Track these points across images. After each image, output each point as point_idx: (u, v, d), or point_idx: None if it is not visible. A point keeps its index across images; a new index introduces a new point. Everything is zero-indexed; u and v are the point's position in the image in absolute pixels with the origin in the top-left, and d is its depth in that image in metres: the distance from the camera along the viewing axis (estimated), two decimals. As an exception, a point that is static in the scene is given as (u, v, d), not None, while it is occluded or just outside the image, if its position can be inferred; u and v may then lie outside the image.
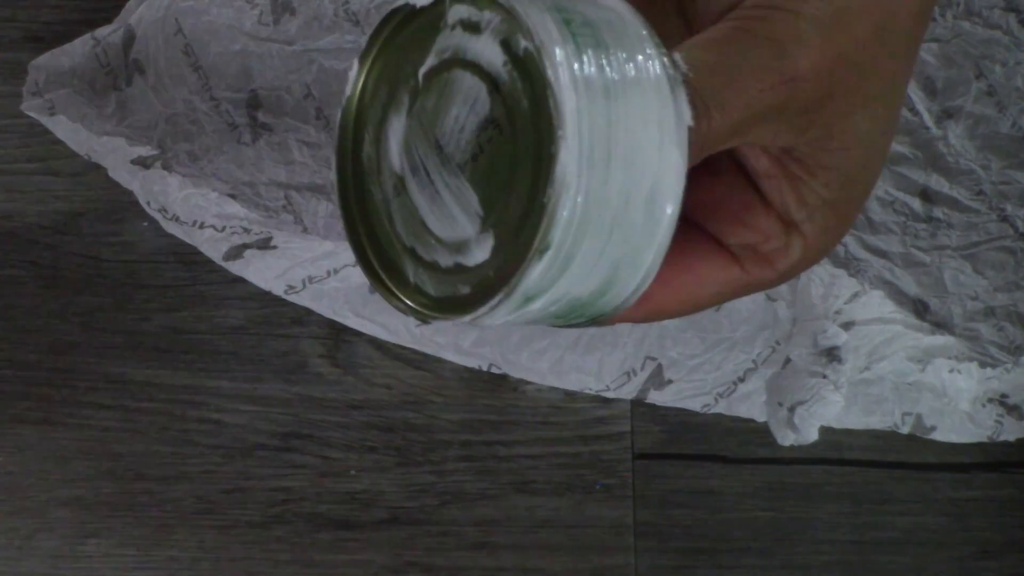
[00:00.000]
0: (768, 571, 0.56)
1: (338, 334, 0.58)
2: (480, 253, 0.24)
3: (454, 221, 0.25)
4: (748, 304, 0.56)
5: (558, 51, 0.22)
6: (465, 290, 0.24)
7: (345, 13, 0.60)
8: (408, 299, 0.26)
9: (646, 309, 0.27)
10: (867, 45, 0.26)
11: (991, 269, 0.57)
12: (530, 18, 0.23)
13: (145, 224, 0.60)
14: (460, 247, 0.25)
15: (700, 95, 0.24)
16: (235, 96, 0.60)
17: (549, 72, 0.22)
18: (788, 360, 0.53)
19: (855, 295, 0.52)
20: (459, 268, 0.25)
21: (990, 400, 0.54)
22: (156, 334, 0.59)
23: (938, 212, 0.58)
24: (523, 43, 0.23)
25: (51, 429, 0.58)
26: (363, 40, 0.26)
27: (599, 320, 0.26)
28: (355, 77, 0.26)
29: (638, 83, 0.23)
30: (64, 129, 0.57)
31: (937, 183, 0.58)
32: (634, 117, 0.23)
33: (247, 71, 0.60)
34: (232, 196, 0.56)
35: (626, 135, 0.23)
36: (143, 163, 0.56)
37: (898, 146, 0.59)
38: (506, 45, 0.23)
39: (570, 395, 0.58)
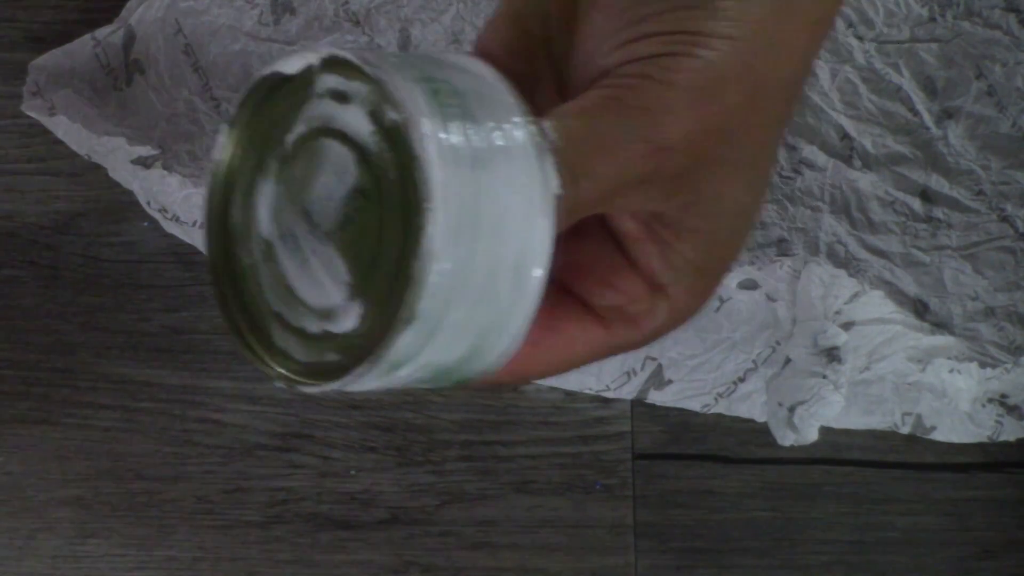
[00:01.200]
0: (768, 571, 0.56)
1: (338, 334, 0.58)
2: (348, 321, 0.24)
3: (322, 288, 0.25)
4: (748, 304, 0.56)
5: (425, 123, 0.22)
6: (333, 357, 0.25)
7: (345, 13, 0.60)
8: (276, 364, 0.26)
9: (513, 371, 0.27)
10: (737, 113, 0.26)
11: (991, 269, 0.57)
12: (397, 90, 0.23)
13: (145, 224, 0.60)
14: (328, 314, 0.25)
15: (568, 164, 0.24)
16: (235, 96, 0.60)
17: (416, 145, 0.22)
18: (788, 360, 0.53)
19: (855, 295, 0.52)
20: (327, 335, 0.25)
21: (990, 400, 0.55)
22: (156, 334, 0.59)
23: (938, 212, 0.58)
24: (390, 114, 0.23)
25: (51, 429, 0.58)
26: (234, 106, 0.26)
27: (465, 384, 0.26)
28: (224, 142, 0.26)
29: (505, 152, 0.23)
30: (64, 129, 0.57)
31: (937, 183, 0.58)
32: (501, 187, 0.23)
33: (247, 71, 0.60)
34: (232, 196, 0.56)
35: (493, 205, 0.23)
36: (143, 163, 0.56)
37: (898, 146, 0.59)
38: (374, 116, 0.23)
39: (570, 395, 0.58)
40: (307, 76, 0.25)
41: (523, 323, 0.25)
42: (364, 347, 0.23)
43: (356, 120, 0.24)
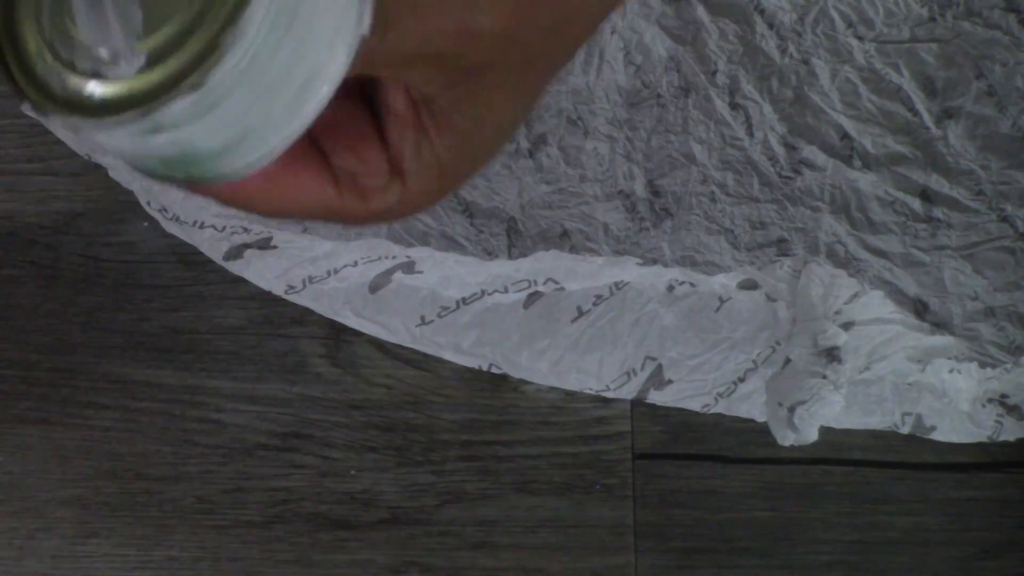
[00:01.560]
0: (768, 571, 0.56)
1: (338, 334, 0.58)
2: (125, 69, 0.24)
3: (107, 31, 0.24)
4: (748, 304, 0.56)
5: None
6: (93, 99, 0.24)
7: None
8: (31, 90, 0.25)
9: (240, 193, 0.27)
10: (543, 36, 0.26)
11: (991, 269, 0.57)
12: None
13: (145, 224, 0.60)
14: (106, 58, 0.24)
15: (383, 12, 0.24)
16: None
17: None
18: (788, 360, 0.53)
19: (855, 295, 0.52)
20: (96, 75, 0.24)
21: (990, 400, 0.55)
22: (156, 334, 0.59)
23: (938, 212, 0.58)
24: None
25: (51, 429, 0.58)
26: None
27: (195, 183, 0.26)
28: None
29: None
30: (64, 129, 0.57)
31: (937, 183, 0.58)
32: (321, 4, 0.23)
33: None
34: (232, 196, 0.56)
35: (308, 16, 0.23)
36: (143, 163, 0.56)
37: (898, 146, 0.59)
38: None
39: (570, 395, 0.58)
40: None
41: (283, 143, 0.25)
42: (133, 98, 0.23)
43: None
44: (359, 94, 0.28)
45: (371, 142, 0.28)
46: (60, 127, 0.24)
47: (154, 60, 0.23)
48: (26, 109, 0.25)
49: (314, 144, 0.28)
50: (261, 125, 0.24)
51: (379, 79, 0.28)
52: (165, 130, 0.23)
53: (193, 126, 0.23)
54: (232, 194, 0.28)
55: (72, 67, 0.24)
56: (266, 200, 0.28)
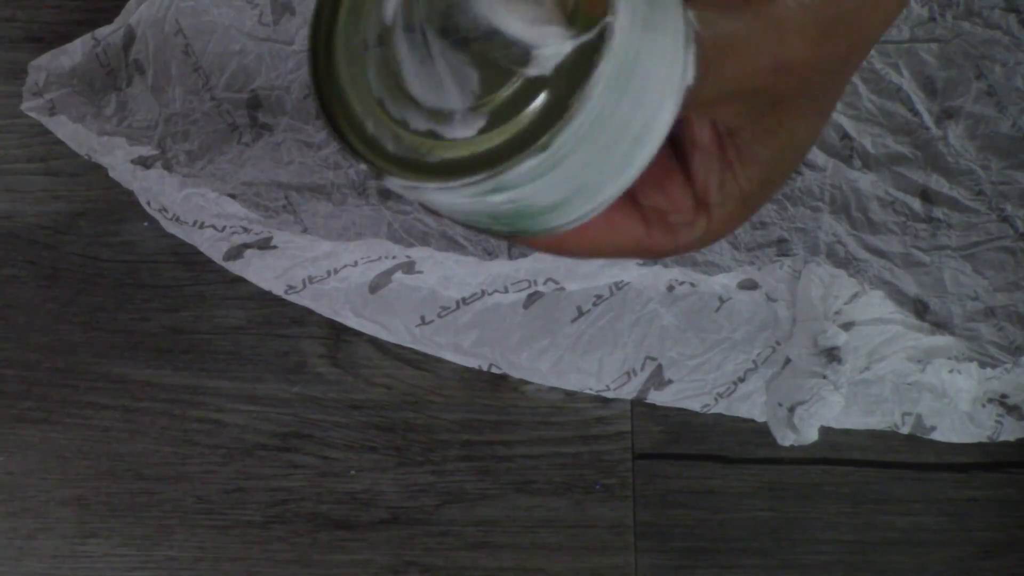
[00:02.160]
0: (768, 571, 0.56)
1: (338, 334, 0.58)
2: (464, 130, 0.24)
3: (442, 90, 0.24)
4: (748, 304, 0.56)
5: None
6: (432, 159, 0.24)
7: (345, 13, 0.60)
8: (364, 150, 0.25)
9: (554, 240, 0.28)
10: (839, 61, 0.27)
11: (991, 269, 0.57)
12: None
13: (145, 224, 0.60)
14: (441, 116, 0.24)
15: (703, 57, 0.25)
16: (235, 96, 0.60)
17: None
18: (788, 360, 0.53)
19: (855, 295, 0.52)
20: (432, 135, 0.24)
21: (990, 400, 0.54)
22: (156, 334, 0.59)
23: (938, 212, 0.58)
24: None
25: (51, 429, 0.58)
26: None
27: (520, 235, 0.26)
28: None
29: (664, 27, 0.23)
30: (64, 129, 0.57)
31: (937, 183, 0.58)
32: (655, 57, 0.23)
33: (247, 71, 0.60)
34: (232, 196, 0.56)
35: (645, 71, 0.23)
36: (143, 163, 0.56)
37: (898, 146, 0.59)
38: None
39: (570, 395, 0.58)
40: None
41: (615, 194, 0.25)
42: (477, 159, 0.23)
43: None
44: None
45: (677, 179, 0.28)
46: (397, 188, 0.24)
47: (495, 121, 0.23)
48: (364, 167, 0.24)
49: None
50: (595, 180, 0.24)
51: (686, 116, 0.28)
52: (506, 190, 0.23)
53: (533, 185, 0.23)
54: (547, 243, 0.28)
55: (405, 126, 0.24)
56: (580, 245, 0.29)
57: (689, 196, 0.28)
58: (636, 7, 0.23)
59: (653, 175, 0.28)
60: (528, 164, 0.23)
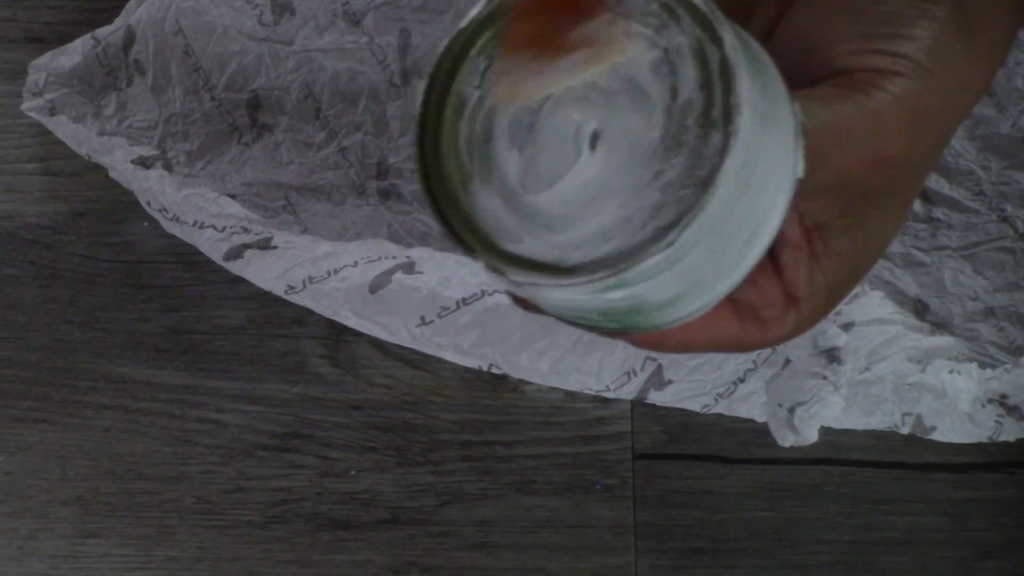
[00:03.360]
0: (768, 571, 0.56)
1: (338, 334, 0.58)
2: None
3: None
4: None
5: (743, 70, 0.23)
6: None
7: (345, 13, 0.60)
8: (477, 247, 0.25)
9: (654, 338, 0.28)
10: (929, 149, 0.27)
11: (991, 269, 0.57)
12: (724, 31, 0.23)
13: (145, 224, 0.60)
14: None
15: (812, 152, 0.25)
16: (235, 96, 0.60)
17: (737, 87, 0.22)
18: (788, 361, 0.53)
19: (855, 295, 0.52)
20: None
21: (990, 400, 0.54)
22: (156, 334, 0.59)
23: (938, 212, 0.58)
24: (713, 53, 0.23)
25: (51, 429, 0.58)
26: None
27: (628, 331, 0.26)
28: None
29: (778, 121, 0.24)
30: (64, 129, 0.57)
31: (937, 183, 0.58)
32: (772, 151, 0.23)
33: (247, 71, 0.60)
34: (232, 196, 0.56)
35: (762, 166, 0.23)
36: (143, 163, 0.56)
37: (898, 146, 0.59)
38: (696, 51, 0.23)
39: (570, 395, 0.58)
40: None
41: (727, 290, 0.25)
42: (603, 258, 0.23)
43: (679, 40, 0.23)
44: None
45: (768, 274, 0.29)
46: (512, 285, 0.24)
47: None
48: (480, 268, 0.24)
49: None
50: (710, 277, 0.24)
51: None
52: (626, 286, 0.23)
53: (652, 282, 0.23)
54: (648, 340, 0.29)
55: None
56: (677, 342, 0.29)
57: (779, 291, 0.29)
58: (756, 102, 0.23)
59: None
60: (654, 260, 0.23)
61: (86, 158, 0.58)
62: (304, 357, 0.58)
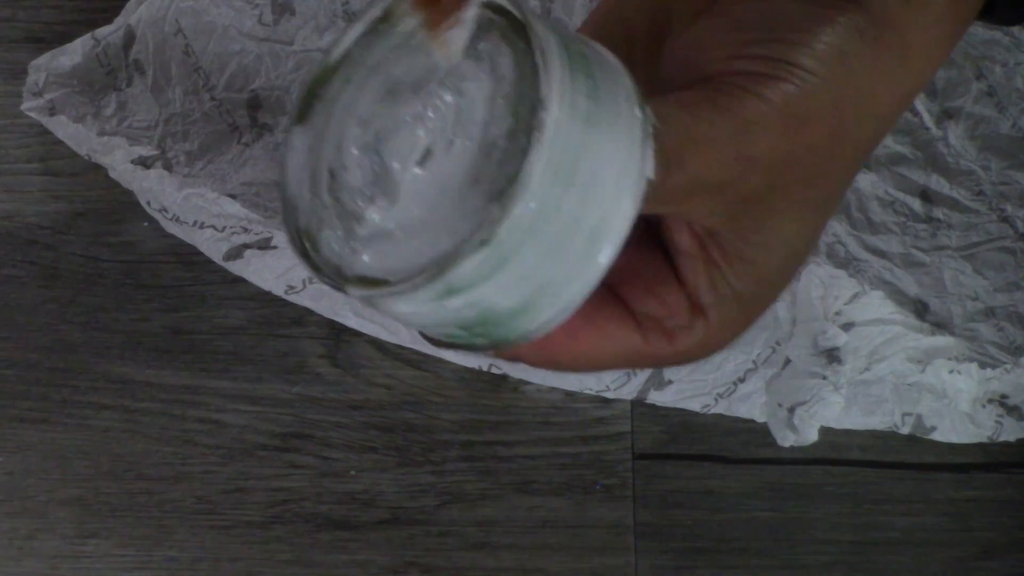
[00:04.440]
0: (768, 571, 0.56)
1: (338, 334, 0.58)
2: None
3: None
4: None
5: (556, 64, 0.23)
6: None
7: (345, 13, 0.60)
8: (324, 269, 0.26)
9: (544, 353, 0.28)
10: (818, 152, 0.27)
11: (991, 269, 0.57)
12: (534, 22, 0.23)
13: (145, 224, 0.60)
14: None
15: (663, 151, 0.25)
16: (235, 96, 0.60)
17: (543, 83, 0.23)
18: (788, 361, 0.53)
19: (855, 296, 0.52)
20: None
21: (990, 401, 0.55)
22: (156, 334, 0.59)
23: (938, 212, 0.58)
24: (526, 54, 0.24)
25: (51, 429, 0.58)
26: None
27: (499, 344, 0.26)
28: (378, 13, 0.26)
29: (615, 123, 0.24)
30: (64, 129, 0.57)
31: (937, 183, 0.58)
32: (604, 152, 0.24)
33: (247, 71, 0.60)
34: (232, 196, 0.56)
35: (592, 166, 0.23)
36: (143, 163, 0.56)
37: (898, 146, 0.59)
38: (514, 54, 0.24)
39: (570, 395, 0.58)
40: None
41: (580, 294, 0.25)
42: (423, 262, 0.24)
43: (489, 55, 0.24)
44: (651, 239, 0.29)
45: (669, 284, 0.28)
46: (358, 299, 0.25)
47: None
48: (319, 279, 0.26)
49: (614, 294, 0.28)
50: (555, 279, 0.24)
51: (664, 222, 0.28)
52: (460, 291, 0.23)
53: (487, 285, 0.23)
54: (541, 358, 0.28)
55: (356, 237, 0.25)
56: (574, 358, 0.28)
57: (683, 300, 0.28)
58: (576, 103, 0.23)
59: (644, 281, 0.28)
60: (473, 260, 0.23)
61: (86, 158, 0.58)
62: (304, 357, 0.58)
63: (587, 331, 0.28)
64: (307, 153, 0.26)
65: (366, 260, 0.25)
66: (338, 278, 0.25)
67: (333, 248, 0.25)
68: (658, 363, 0.29)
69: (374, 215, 0.25)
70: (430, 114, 0.25)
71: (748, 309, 0.29)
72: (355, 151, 0.26)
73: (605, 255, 0.24)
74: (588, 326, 0.28)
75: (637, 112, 0.24)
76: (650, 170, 0.25)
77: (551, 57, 0.23)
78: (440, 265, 0.23)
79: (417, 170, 0.25)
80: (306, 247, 0.26)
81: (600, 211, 0.24)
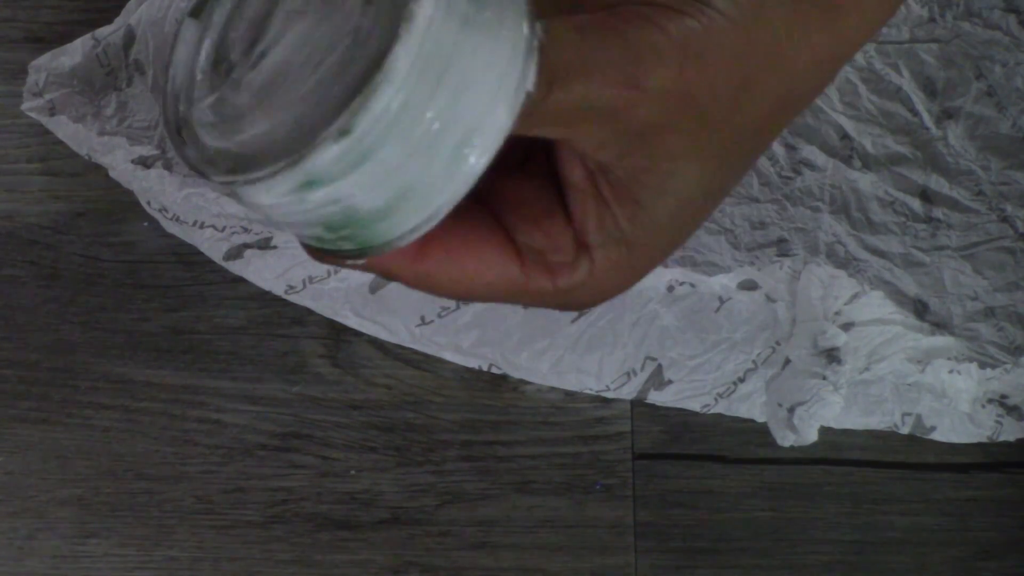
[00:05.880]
0: (768, 571, 0.56)
1: (338, 334, 0.58)
2: None
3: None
4: (748, 305, 0.56)
5: None
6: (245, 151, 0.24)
7: (345, 13, 0.60)
8: (187, 144, 0.25)
9: (418, 270, 0.27)
10: (719, 97, 0.26)
11: (991, 269, 0.57)
12: None
13: (145, 224, 0.60)
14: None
15: (548, 67, 0.24)
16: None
17: None
18: (788, 361, 0.53)
19: (855, 296, 0.52)
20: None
21: (990, 400, 0.55)
22: (156, 334, 0.59)
23: (938, 212, 0.58)
24: None
25: (51, 429, 0.58)
26: None
27: (367, 250, 0.25)
28: None
29: (497, 29, 0.23)
30: (64, 129, 0.57)
31: (937, 183, 0.58)
32: (480, 56, 0.23)
33: (247, 71, 0.60)
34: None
35: (466, 68, 0.23)
36: (143, 163, 0.56)
37: (898, 146, 0.59)
38: None
39: (570, 395, 0.58)
40: None
41: (448, 202, 0.24)
42: (279, 146, 0.23)
43: None
44: (544, 172, 0.28)
45: (556, 217, 0.27)
46: (217, 188, 0.24)
47: None
48: (186, 172, 0.26)
49: (498, 222, 0.28)
50: (421, 183, 0.23)
51: (557, 153, 0.27)
52: (320, 184, 0.23)
53: (348, 179, 0.23)
54: (415, 275, 0.27)
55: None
56: (450, 281, 0.27)
57: (569, 235, 0.27)
58: (454, 3, 0.22)
59: (530, 212, 0.27)
60: (331, 150, 0.22)
61: (86, 158, 0.58)
62: (304, 357, 0.58)
63: (464, 254, 0.27)
64: (194, 44, 0.26)
65: (231, 149, 0.24)
66: (204, 164, 0.24)
67: (204, 139, 0.25)
68: (539, 301, 0.28)
69: (243, 99, 0.24)
70: (308, 7, 0.24)
71: (637, 256, 0.28)
72: (233, 39, 0.25)
73: (475, 163, 0.24)
74: (465, 249, 0.27)
75: (525, 26, 0.24)
76: (531, 83, 0.24)
77: None
78: (299, 153, 0.22)
79: (286, 54, 0.24)
80: (181, 134, 0.25)
81: (472, 117, 0.23)
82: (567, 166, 0.27)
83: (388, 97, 0.22)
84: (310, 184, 0.23)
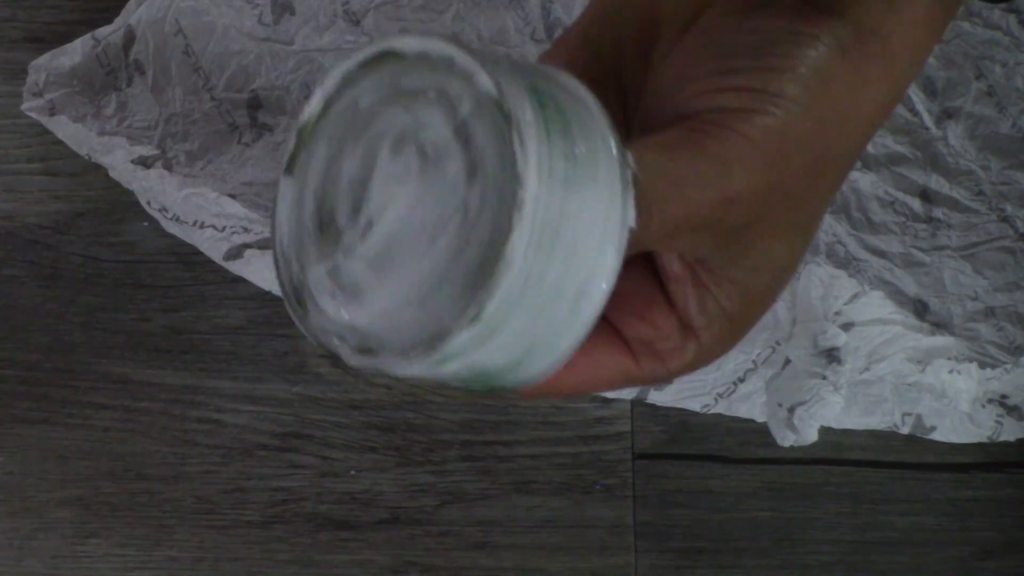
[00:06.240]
0: (768, 571, 0.56)
1: (338, 334, 0.58)
2: None
3: None
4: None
5: (530, 134, 0.23)
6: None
7: (345, 13, 0.60)
8: (313, 315, 0.26)
9: (541, 388, 0.28)
10: (802, 178, 0.27)
11: (991, 269, 0.57)
12: (509, 95, 0.23)
13: (145, 224, 0.60)
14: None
15: (644, 198, 0.25)
16: (235, 96, 0.60)
17: (519, 155, 0.23)
18: (788, 361, 0.53)
19: (855, 296, 0.52)
20: None
21: (990, 400, 0.55)
22: (156, 334, 0.59)
23: (938, 212, 0.58)
24: (499, 121, 0.23)
25: (51, 429, 0.58)
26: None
27: (496, 391, 0.26)
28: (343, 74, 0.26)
29: (594, 178, 0.24)
30: (64, 129, 0.57)
31: (937, 183, 0.58)
32: (584, 211, 0.24)
33: (247, 71, 0.60)
34: (232, 196, 0.56)
35: (573, 227, 0.23)
36: (143, 163, 0.56)
37: (898, 146, 0.59)
38: (472, 118, 0.24)
39: (570, 395, 0.58)
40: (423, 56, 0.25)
41: (572, 346, 0.25)
42: (412, 338, 0.24)
43: (442, 121, 0.24)
44: (641, 264, 0.29)
45: (659, 307, 0.28)
46: (359, 367, 0.25)
47: None
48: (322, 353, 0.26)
49: (605, 323, 0.28)
50: (545, 336, 0.24)
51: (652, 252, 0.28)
52: (454, 359, 0.24)
53: (479, 353, 0.24)
54: (538, 391, 0.28)
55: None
56: (571, 385, 0.29)
57: (674, 322, 0.28)
58: (554, 169, 0.23)
59: (633, 307, 0.28)
60: (463, 336, 0.23)
61: (86, 158, 0.58)
62: (304, 357, 0.58)
63: (581, 360, 0.28)
64: (295, 203, 0.26)
65: (358, 325, 0.25)
66: (332, 340, 0.25)
67: (327, 310, 0.26)
68: (652, 382, 0.30)
69: (359, 269, 0.25)
70: (410, 175, 0.25)
71: (738, 325, 0.29)
72: (335, 199, 0.26)
73: (591, 313, 0.25)
74: (582, 356, 0.28)
75: (617, 161, 0.24)
76: (631, 219, 0.24)
77: (527, 133, 0.23)
78: (432, 341, 0.23)
79: (395, 225, 0.24)
80: (302, 302, 0.26)
81: (586, 269, 0.24)
82: (663, 260, 0.28)
83: (511, 282, 0.23)
84: (444, 361, 0.24)
